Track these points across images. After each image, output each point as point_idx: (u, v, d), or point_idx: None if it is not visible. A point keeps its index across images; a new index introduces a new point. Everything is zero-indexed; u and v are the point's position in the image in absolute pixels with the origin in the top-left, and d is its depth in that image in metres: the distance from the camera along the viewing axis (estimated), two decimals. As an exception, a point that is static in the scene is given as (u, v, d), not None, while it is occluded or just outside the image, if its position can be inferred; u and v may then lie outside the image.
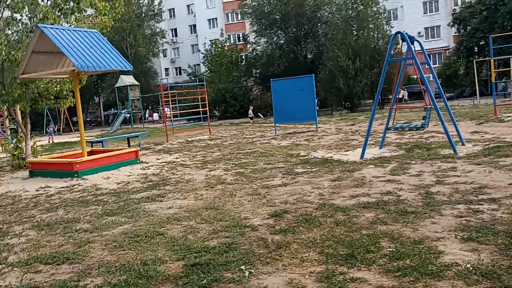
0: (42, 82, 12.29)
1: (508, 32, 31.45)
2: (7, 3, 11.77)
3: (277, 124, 17.63)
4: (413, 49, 8.95)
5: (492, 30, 32.78)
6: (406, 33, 8.94)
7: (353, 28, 28.42)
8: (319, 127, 17.84)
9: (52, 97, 12.85)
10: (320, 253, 3.80)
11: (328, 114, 30.04)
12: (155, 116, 42.15)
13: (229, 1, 62.47)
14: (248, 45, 38.69)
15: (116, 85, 36.70)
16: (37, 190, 8.79)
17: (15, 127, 21.67)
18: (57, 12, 11.78)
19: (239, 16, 62.52)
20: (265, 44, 36.43)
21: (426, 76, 10.31)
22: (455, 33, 50.94)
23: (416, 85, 32.81)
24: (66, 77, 11.93)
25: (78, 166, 9.69)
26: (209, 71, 48.73)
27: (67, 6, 12.07)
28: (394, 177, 6.71)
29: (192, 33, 66.47)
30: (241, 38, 60.29)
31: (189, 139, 17.69)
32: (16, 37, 11.90)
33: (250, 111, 27.43)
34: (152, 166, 10.64)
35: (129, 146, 15.81)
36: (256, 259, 3.81)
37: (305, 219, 4.85)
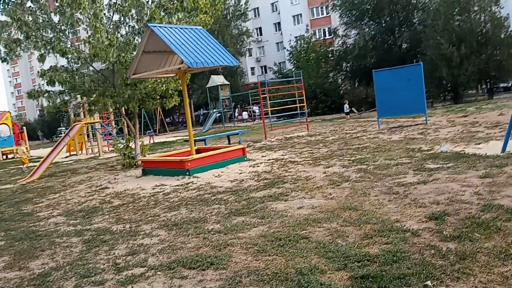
0: (149, 82, 12.52)
1: None
2: (116, 7, 12.12)
3: (380, 118, 16.58)
4: None
5: None
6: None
7: (456, 13, 26.19)
8: (424, 120, 16.51)
9: (158, 97, 13.07)
10: (523, 268, 3.06)
11: (428, 106, 28.05)
12: (245, 114, 42.48)
13: (313, -4, 61.58)
14: (338, 39, 37.45)
15: (208, 86, 37.47)
16: (153, 188, 8.80)
17: (118, 128, 22.78)
18: (162, 12, 11.92)
19: (325, 10, 61.59)
20: (355, 37, 35.04)
21: None
22: None
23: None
24: (173, 76, 12.01)
25: (189, 164, 9.60)
26: (295, 68, 48.27)
27: (171, 5, 12.20)
28: (560, 173, 5.65)
29: (276, 31, 66.42)
30: (327, 33, 59.23)
31: (287, 136, 17.25)
32: (124, 40, 12.21)
33: (346, 106, 26.38)
34: (261, 163, 10.30)
35: (229, 143, 15.74)
36: (439, 273, 3.15)
37: (475, 223, 4.08)
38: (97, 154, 20.33)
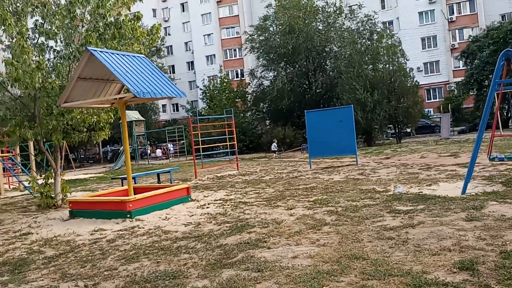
0: (76, 113, 11.19)
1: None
2: (42, 28, 10.81)
3: (312, 158, 16.62)
4: None
5: (501, 64, 32.79)
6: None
7: (369, 61, 27.96)
8: (353, 161, 16.89)
9: (85, 129, 11.74)
10: None
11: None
12: (158, 152, 40.89)
13: (227, 38, 62.79)
14: (255, 80, 38.03)
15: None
16: (92, 234, 7.56)
17: (18, 163, 20.29)
18: (95, 37, 10.86)
19: (238, 52, 62.95)
20: (273, 78, 35.88)
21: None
22: (455, 67, 51.51)
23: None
24: (107, 106, 10.86)
25: (131, 205, 8.49)
26: (207, 107, 48.04)
27: (107, 31, 11.20)
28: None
29: (189, 70, 66.32)
30: (239, 74, 60.33)
31: (219, 175, 16.53)
32: (51, 64, 10.89)
33: (274, 144, 26.58)
34: (208, 204, 9.47)
35: (159, 182, 14.62)
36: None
37: (509, 273, 3.77)
38: (-3, 193, 17.77)
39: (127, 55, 9.63)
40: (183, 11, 66.15)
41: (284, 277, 4.25)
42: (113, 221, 8.42)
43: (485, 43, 34.80)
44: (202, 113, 50.62)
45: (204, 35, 63.60)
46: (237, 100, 41.69)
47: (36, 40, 10.83)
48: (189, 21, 64.79)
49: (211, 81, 46.61)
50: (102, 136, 11.78)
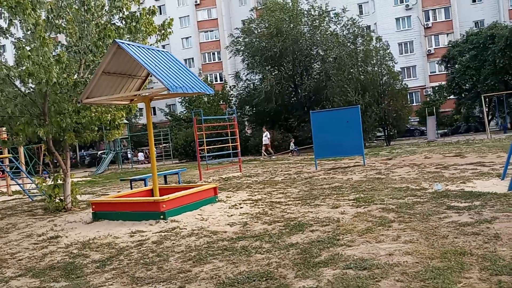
0: (89, 112, 10.59)
1: (500, 69, 32.42)
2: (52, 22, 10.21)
3: (318, 159, 16.43)
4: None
5: (482, 68, 33.69)
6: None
7: (359, 63, 28.16)
8: (357, 162, 16.83)
9: (97, 128, 11.17)
10: None
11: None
12: (140, 156, 39.95)
13: (206, 42, 62.30)
14: (241, 82, 37.73)
15: (103, 123, 34.49)
16: (131, 236, 7.07)
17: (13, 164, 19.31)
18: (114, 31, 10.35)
19: (216, 56, 62.55)
20: (259, 81, 35.67)
21: None
22: (431, 72, 52.70)
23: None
24: (126, 103, 10.35)
25: (164, 205, 8.03)
26: (186, 111, 47.36)
27: (122, 25, 10.73)
28: None
29: (167, 72, 65.28)
30: (218, 78, 59.96)
31: (223, 176, 16.13)
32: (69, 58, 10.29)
33: (292, 144, 26.81)
34: (238, 204, 9.10)
35: (166, 183, 14.10)
36: None
37: None
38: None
39: (152, 49, 9.19)
40: (160, 13, 65.17)
41: (400, 275, 3.97)
42: (145, 222, 7.93)
43: (465, 48, 35.67)
44: (181, 117, 50.02)
45: (182, 38, 62.87)
46: (220, 103, 41.31)
47: (48, 34, 10.19)
48: (167, 24, 63.77)
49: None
50: (115, 135, 11.23)
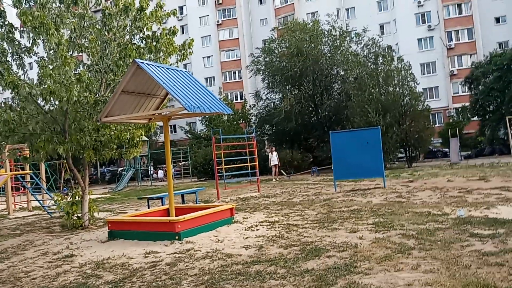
0: (108, 130, 10.69)
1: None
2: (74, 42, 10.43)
3: (337, 181, 16.19)
4: None
5: (506, 89, 33.03)
6: None
7: (380, 84, 27.92)
8: (377, 184, 16.51)
9: (115, 146, 11.25)
10: None
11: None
12: (160, 173, 40.19)
13: (227, 61, 62.97)
14: (261, 101, 37.81)
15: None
16: (145, 257, 7.01)
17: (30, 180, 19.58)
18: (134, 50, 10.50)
19: (237, 75, 63.09)
20: (279, 100, 35.68)
21: None
22: (454, 93, 51.92)
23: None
24: (145, 122, 10.42)
25: (180, 226, 7.96)
26: (206, 129, 47.53)
27: (143, 45, 10.88)
28: None
29: (188, 91, 66.03)
30: (238, 97, 60.33)
31: (241, 196, 16.01)
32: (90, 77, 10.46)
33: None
34: (255, 226, 8.97)
35: (183, 202, 14.06)
36: None
37: None
38: (7, 212, 17.02)
39: (171, 69, 9.27)
40: (183, 33, 66.34)
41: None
42: (160, 243, 7.87)
43: (488, 69, 35.11)
44: (201, 135, 50.25)
45: (203, 57, 63.68)
46: (240, 122, 41.44)
47: (70, 53, 10.40)
48: (189, 43, 64.78)
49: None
50: (133, 154, 11.30)
